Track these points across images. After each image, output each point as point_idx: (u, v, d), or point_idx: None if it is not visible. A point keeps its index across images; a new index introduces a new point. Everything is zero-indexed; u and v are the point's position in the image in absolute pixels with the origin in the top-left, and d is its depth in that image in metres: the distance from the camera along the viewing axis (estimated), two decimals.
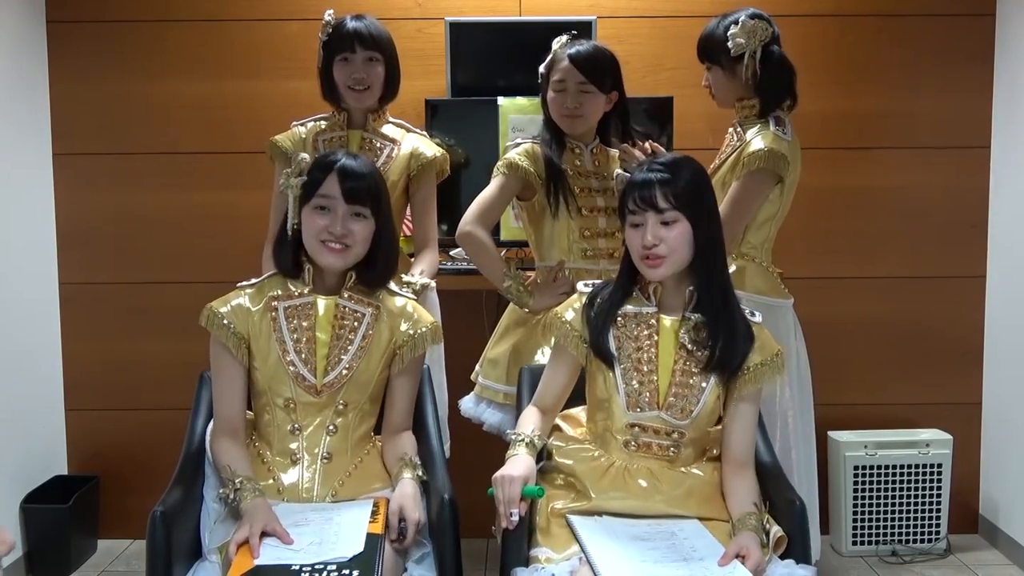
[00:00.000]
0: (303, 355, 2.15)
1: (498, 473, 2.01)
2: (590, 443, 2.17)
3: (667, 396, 2.09)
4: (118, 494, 3.62)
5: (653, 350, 2.11)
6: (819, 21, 3.57)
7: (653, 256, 2.06)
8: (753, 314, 2.17)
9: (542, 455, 2.17)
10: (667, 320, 2.13)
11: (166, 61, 3.57)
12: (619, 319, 2.13)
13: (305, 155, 2.19)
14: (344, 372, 2.17)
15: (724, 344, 2.08)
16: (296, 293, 2.20)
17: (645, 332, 2.12)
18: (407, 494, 2.07)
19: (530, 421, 2.16)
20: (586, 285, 2.22)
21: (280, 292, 2.20)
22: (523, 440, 2.09)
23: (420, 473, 2.14)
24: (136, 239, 3.62)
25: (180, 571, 2.03)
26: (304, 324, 2.17)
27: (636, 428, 2.10)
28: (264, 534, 1.94)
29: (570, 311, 2.19)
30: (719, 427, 2.16)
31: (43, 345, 3.59)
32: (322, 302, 2.19)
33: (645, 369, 2.10)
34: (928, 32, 3.58)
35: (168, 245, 3.62)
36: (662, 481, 2.08)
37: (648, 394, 2.09)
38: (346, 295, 2.20)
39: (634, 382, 2.10)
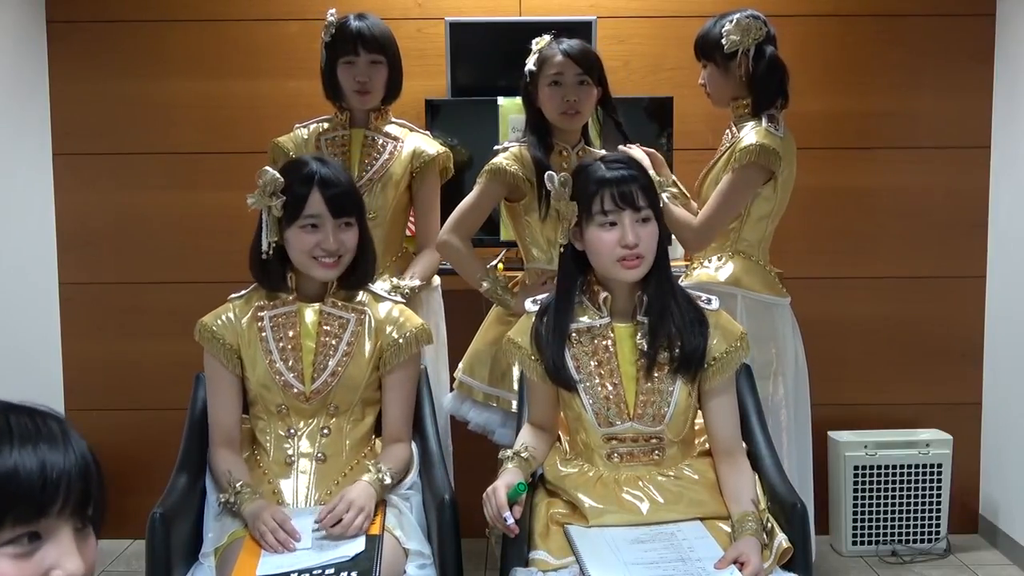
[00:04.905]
0: (290, 363, 2.16)
1: (484, 494, 1.98)
2: (575, 459, 2.12)
3: (636, 405, 2.04)
4: (118, 494, 3.53)
5: (614, 362, 2.06)
6: (819, 21, 3.57)
7: (633, 256, 2.00)
8: (709, 301, 2.12)
9: (536, 471, 2.14)
10: (622, 328, 2.07)
11: (166, 61, 3.57)
12: (573, 336, 2.07)
13: (274, 172, 2.12)
14: (331, 378, 2.17)
15: (682, 343, 2.03)
16: (280, 302, 2.20)
17: (602, 344, 2.07)
18: (354, 493, 2.03)
19: (521, 438, 2.14)
20: (534, 302, 2.15)
21: (266, 301, 2.21)
22: (510, 456, 2.06)
23: (383, 476, 2.07)
24: (136, 239, 3.62)
25: (180, 571, 2.03)
26: (290, 333, 2.18)
27: (613, 441, 2.06)
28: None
29: (522, 335, 2.13)
30: (701, 420, 2.13)
31: (43, 345, 3.59)
32: (308, 310, 2.19)
33: (609, 384, 2.05)
34: (928, 32, 3.57)
35: (168, 245, 3.62)
36: (653, 490, 2.04)
37: (617, 407, 2.04)
38: (329, 302, 2.20)
39: (601, 397, 2.05)
